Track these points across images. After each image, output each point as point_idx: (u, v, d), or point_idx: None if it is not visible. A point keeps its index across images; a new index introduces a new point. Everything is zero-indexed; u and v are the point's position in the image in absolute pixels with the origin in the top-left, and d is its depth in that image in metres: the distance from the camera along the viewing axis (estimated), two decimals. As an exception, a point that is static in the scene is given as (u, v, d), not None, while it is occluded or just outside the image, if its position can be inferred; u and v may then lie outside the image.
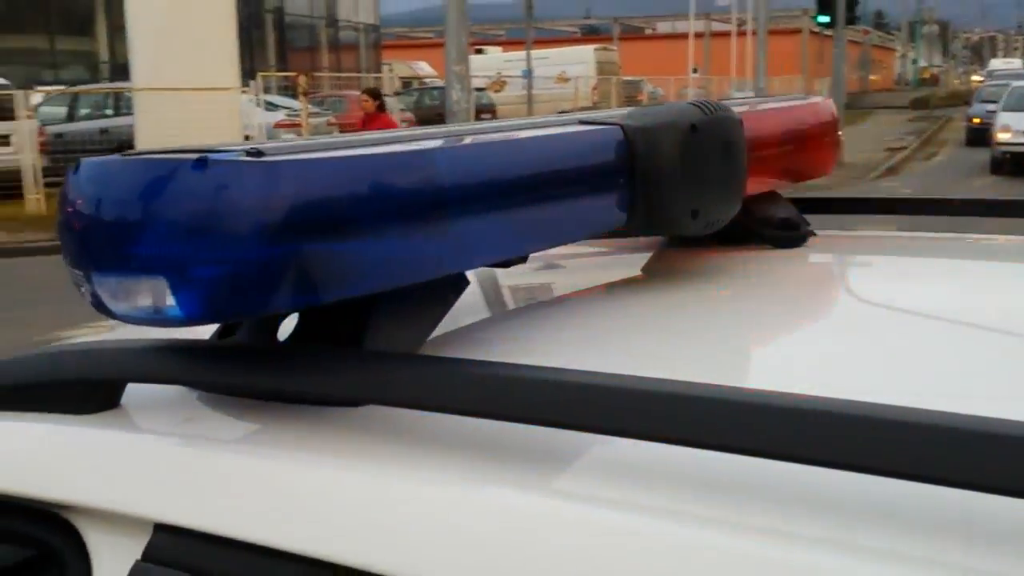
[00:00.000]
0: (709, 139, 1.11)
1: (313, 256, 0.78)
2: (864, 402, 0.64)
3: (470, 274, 1.02)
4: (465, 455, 0.76)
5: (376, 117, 12.12)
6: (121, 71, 20.97)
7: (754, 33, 30.91)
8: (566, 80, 34.42)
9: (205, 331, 0.94)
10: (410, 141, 0.92)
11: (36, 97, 17.95)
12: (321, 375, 0.80)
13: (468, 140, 0.97)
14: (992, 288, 1.29)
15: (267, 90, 20.21)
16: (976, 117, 25.47)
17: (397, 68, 37.23)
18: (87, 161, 0.82)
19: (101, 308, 0.82)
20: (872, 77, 72.63)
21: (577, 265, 1.49)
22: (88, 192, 0.80)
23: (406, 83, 33.75)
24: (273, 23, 36.82)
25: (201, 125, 9.94)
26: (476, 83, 22.95)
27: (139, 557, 0.82)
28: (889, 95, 58.88)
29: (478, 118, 18.28)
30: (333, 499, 0.77)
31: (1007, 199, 1.69)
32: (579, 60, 37.84)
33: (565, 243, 1.12)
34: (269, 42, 36.30)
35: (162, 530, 0.81)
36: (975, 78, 68.87)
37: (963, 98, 40.26)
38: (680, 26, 54.09)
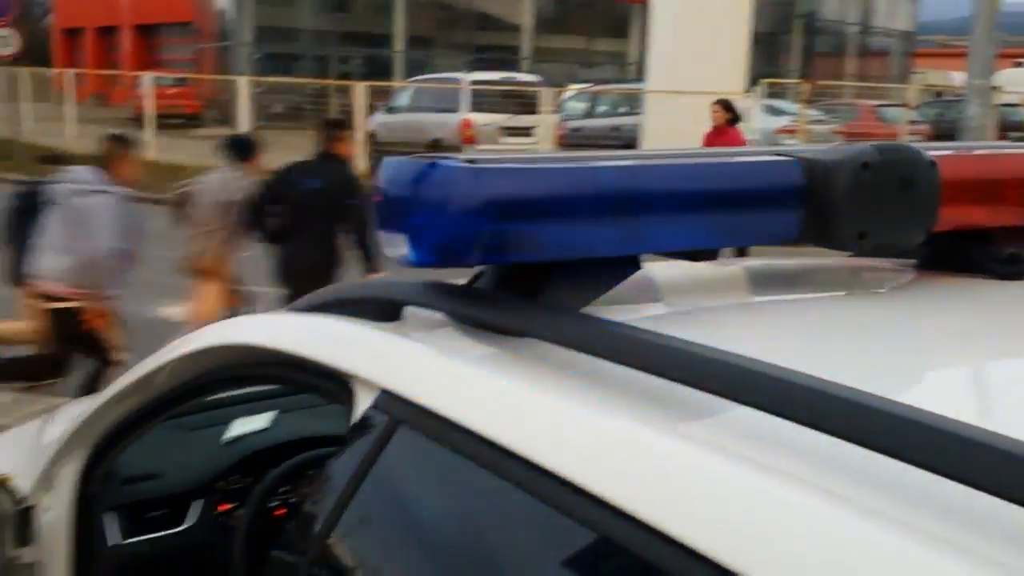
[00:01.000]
0: (882, 174, 1.30)
1: (498, 230, 1.14)
2: None
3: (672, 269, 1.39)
4: (597, 389, 1.04)
5: (723, 132, 10.07)
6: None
7: None
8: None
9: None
10: (586, 160, 1.22)
11: (567, 94, 19.64)
12: (508, 314, 1.18)
13: (650, 162, 1.27)
14: None
15: (779, 95, 20.20)
16: None
17: (931, 77, 35.09)
18: (386, 160, 1.26)
19: (388, 254, 1.24)
20: None
21: (786, 274, 1.70)
22: (383, 179, 1.24)
23: (938, 94, 31.68)
24: (802, 28, 36.58)
25: (705, 127, 10.26)
26: (1010, 98, 21.00)
27: (371, 405, 1.24)
28: None
29: (1003, 137, 16.75)
30: (507, 394, 1.09)
31: None
32: None
33: (737, 245, 1.39)
34: (795, 47, 36.14)
35: (393, 395, 1.21)
36: None
37: None
38: None
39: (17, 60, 22.17)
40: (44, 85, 26.45)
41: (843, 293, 1.56)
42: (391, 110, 18.65)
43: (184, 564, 2.24)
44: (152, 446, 2.18)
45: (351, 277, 5.78)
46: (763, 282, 1.69)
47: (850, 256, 1.61)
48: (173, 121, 23.79)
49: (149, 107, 20.84)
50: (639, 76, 27.70)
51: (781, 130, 17.44)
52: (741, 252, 4.67)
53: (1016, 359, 1.21)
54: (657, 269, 1.53)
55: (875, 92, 25.42)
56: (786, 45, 35.27)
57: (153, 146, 20.31)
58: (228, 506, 2.30)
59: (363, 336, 1.35)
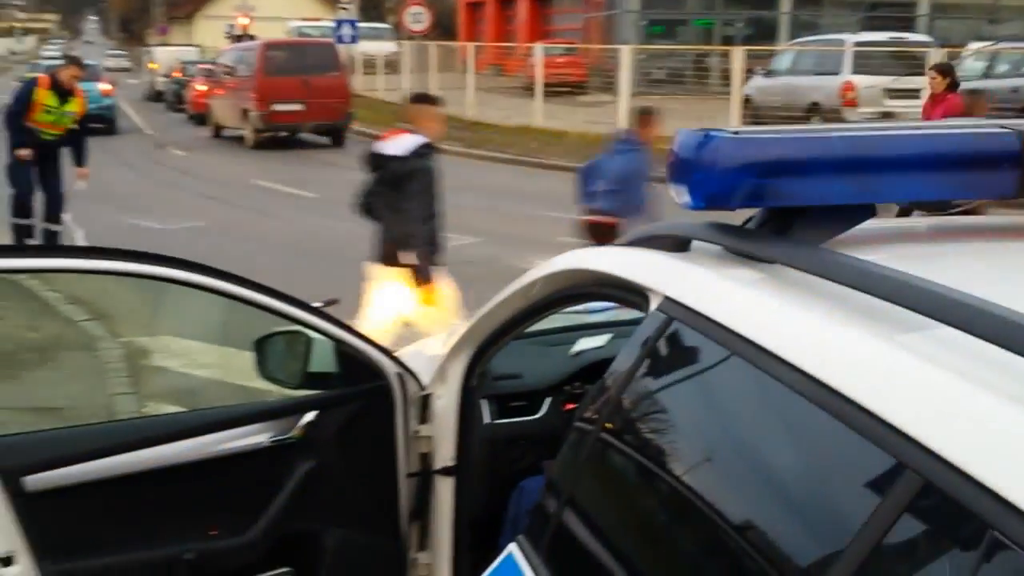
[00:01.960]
0: None
1: (753, 183, 1.56)
2: None
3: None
4: (822, 302, 1.38)
5: (941, 99, 9.46)
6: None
7: None
8: None
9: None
10: (827, 130, 1.63)
11: (964, 53, 18.42)
12: (761, 246, 1.58)
13: (888, 131, 1.62)
14: None
15: None
16: None
17: None
18: (680, 130, 1.68)
19: (676, 201, 1.66)
20: None
21: (998, 227, 1.88)
22: (677, 144, 1.68)
23: None
24: None
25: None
26: None
27: (656, 308, 1.68)
28: None
29: None
30: (749, 300, 1.49)
31: None
32: None
33: (964, 198, 1.70)
34: None
35: (672, 300, 1.65)
36: None
37: None
38: None
39: (427, 35, 24.47)
40: (450, 56, 28.95)
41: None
42: (769, 73, 18.57)
43: (536, 444, 2.83)
44: (517, 353, 2.76)
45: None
46: (980, 232, 1.88)
47: None
48: (561, 89, 25.05)
49: (539, 76, 22.13)
50: (1052, 31, 25.28)
51: None
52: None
53: None
54: (891, 220, 1.83)
55: None
56: None
57: (539, 113, 21.69)
58: (572, 406, 2.85)
59: (655, 260, 1.80)
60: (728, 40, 27.91)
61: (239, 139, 20.89)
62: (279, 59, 20.44)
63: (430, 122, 5.89)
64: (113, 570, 2.32)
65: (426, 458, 2.69)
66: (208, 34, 56.30)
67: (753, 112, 18.02)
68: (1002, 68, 18.68)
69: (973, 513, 0.98)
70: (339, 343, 2.58)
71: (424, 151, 5.77)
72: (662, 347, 1.68)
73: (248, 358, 2.67)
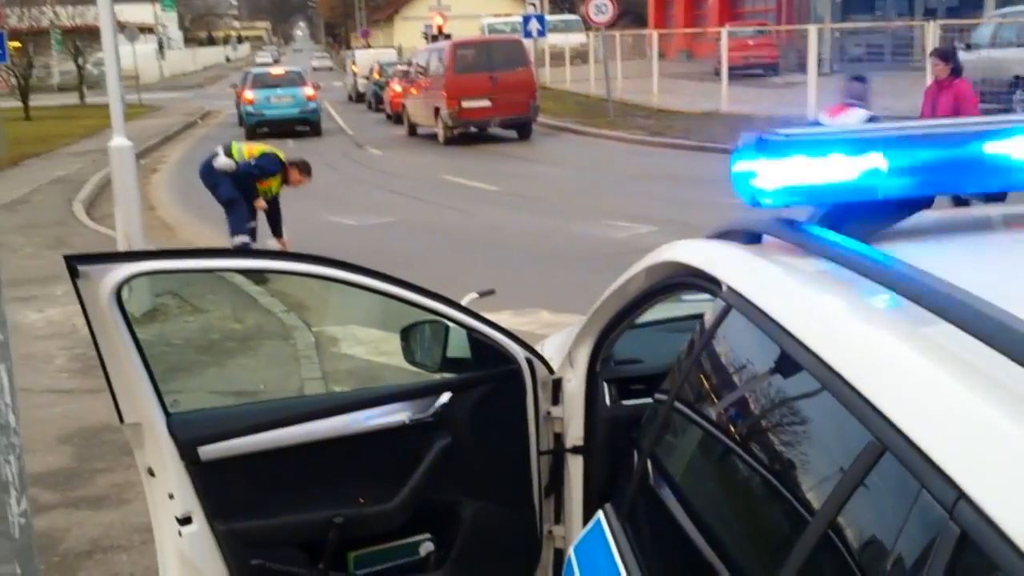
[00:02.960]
0: None
1: (795, 183, 1.69)
2: None
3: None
4: (856, 293, 1.49)
5: (946, 86, 8.86)
6: None
7: None
8: None
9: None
10: (875, 131, 1.71)
11: None
12: (811, 240, 1.70)
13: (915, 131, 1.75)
14: None
15: None
16: None
17: None
18: (741, 133, 1.82)
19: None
20: None
21: None
22: (739, 143, 1.80)
23: None
24: None
25: None
26: None
27: (720, 296, 1.85)
28: None
29: None
30: (795, 294, 1.63)
31: None
32: None
33: (1012, 190, 1.76)
34: None
35: (731, 289, 1.80)
36: None
37: None
38: None
39: (615, 23, 24.54)
40: (639, 44, 28.96)
41: None
42: (969, 47, 17.65)
43: None
44: (637, 340, 2.94)
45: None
46: None
47: None
48: (754, 72, 24.59)
49: (724, 60, 21.86)
50: None
51: None
52: None
53: None
54: (945, 211, 1.89)
55: None
56: None
57: (725, 97, 21.42)
58: None
59: (726, 252, 1.95)
60: (931, 13, 26.63)
61: (432, 137, 21.72)
62: (468, 57, 21.11)
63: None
64: (271, 530, 2.67)
65: (559, 437, 2.91)
66: (406, 35, 58.33)
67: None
68: None
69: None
70: (472, 331, 2.84)
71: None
72: (720, 332, 1.84)
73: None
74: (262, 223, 9.81)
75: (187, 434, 2.54)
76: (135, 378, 2.49)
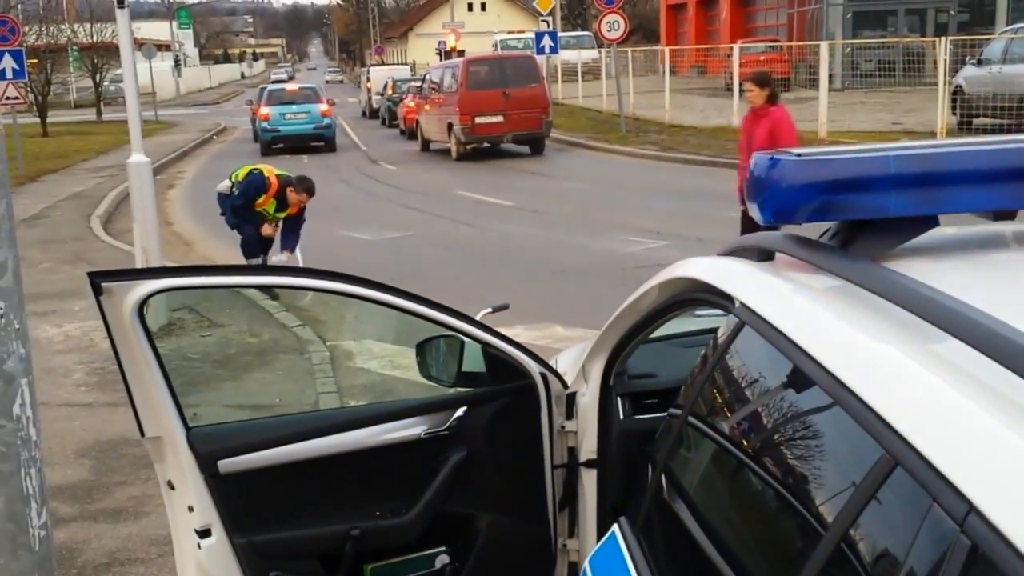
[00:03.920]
0: None
1: (818, 199, 1.71)
2: None
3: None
4: (860, 309, 1.53)
5: (763, 113, 7.90)
6: None
7: None
8: None
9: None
10: (884, 149, 1.76)
11: None
12: (821, 259, 1.71)
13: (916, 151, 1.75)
14: None
15: None
16: None
17: None
18: (756, 154, 1.86)
19: (753, 216, 1.84)
20: None
21: None
22: (753, 164, 1.85)
23: None
24: None
25: None
26: None
27: (733, 313, 1.89)
28: None
29: None
30: (803, 311, 1.66)
31: None
32: None
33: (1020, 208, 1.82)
34: None
35: (744, 305, 1.84)
36: None
37: None
38: None
39: (627, 39, 24.64)
40: (652, 60, 29.05)
41: None
42: (980, 63, 17.66)
43: None
44: (650, 355, 2.97)
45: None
46: None
47: None
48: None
49: (736, 76, 21.89)
50: None
51: None
52: None
53: None
54: (956, 228, 1.91)
55: None
56: None
57: (736, 113, 21.43)
58: None
59: (739, 269, 1.98)
60: (942, 29, 26.63)
61: (445, 152, 21.81)
62: (481, 73, 21.22)
63: None
64: (289, 543, 2.70)
65: (573, 451, 2.94)
66: (419, 52, 58.66)
67: (963, 103, 17.20)
68: None
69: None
70: (487, 346, 2.87)
71: None
72: (733, 348, 1.87)
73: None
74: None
75: (207, 447, 2.58)
76: (156, 393, 2.53)
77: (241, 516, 2.63)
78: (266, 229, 9.19)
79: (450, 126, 21.13)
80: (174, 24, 59.21)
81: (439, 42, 40.44)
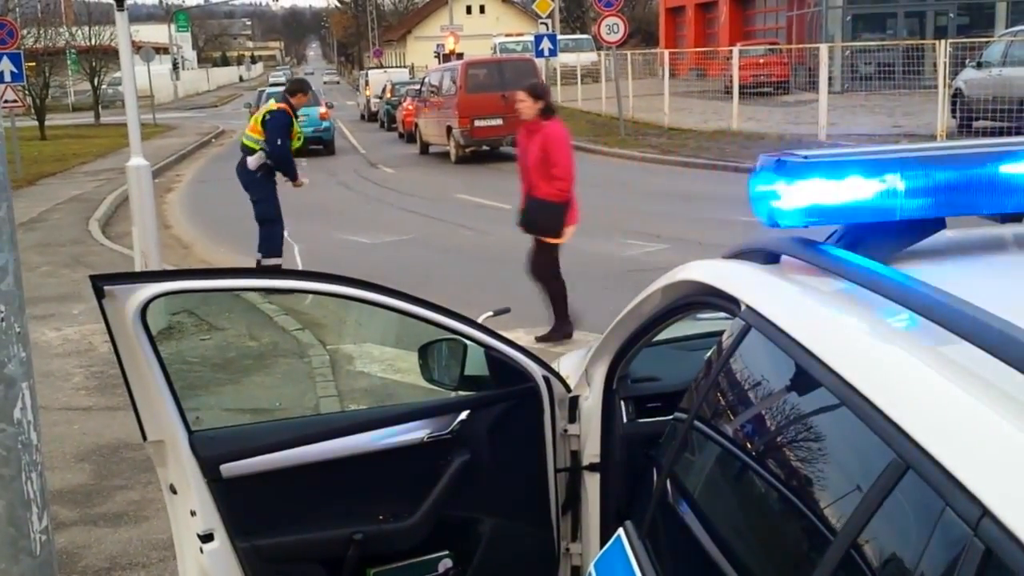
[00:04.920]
0: None
1: (821, 204, 1.70)
2: None
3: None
4: (862, 309, 1.54)
5: (535, 128, 7.26)
6: None
7: None
8: None
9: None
10: (887, 152, 1.75)
11: None
12: (827, 261, 1.70)
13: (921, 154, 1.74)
14: None
15: None
16: None
17: None
18: (761, 155, 1.82)
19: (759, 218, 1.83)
20: None
21: None
22: (759, 165, 1.81)
23: None
24: None
25: None
26: None
27: (738, 316, 1.88)
28: None
29: None
30: (812, 313, 1.66)
31: None
32: None
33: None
34: None
35: (751, 308, 1.82)
36: None
37: None
38: None
39: (625, 42, 24.63)
40: (651, 63, 29.04)
41: None
42: (980, 65, 17.67)
43: None
44: (653, 358, 2.96)
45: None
46: None
47: None
48: (764, 90, 24.64)
49: (735, 78, 21.91)
50: None
51: None
52: None
53: None
54: (962, 231, 1.90)
55: None
56: None
57: (735, 116, 21.45)
58: None
59: (744, 272, 1.97)
60: (942, 31, 26.66)
61: (444, 155, 21.80)
62: (480, 76, 21.20)
63: None
64: (292, 547, 2.69)
65: (576, 455, 2.93)
66: (418, 55, 58.68)
67: (963, 105, 17.21)
68: None
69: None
70: (489, 350, 2.86)
71: None
72: (739, 352, 1.86)
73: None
74: (253, 235, 9.92)
75: (209, 451, 2.57)
76: (159, 396, 2.52)
77: (244, 520, 2.62)
78: (300, 182, 9.96)
79: (449, 129, 21.13)
80: (172, 27, 59.17)
81: (438, 45, 40.47)
